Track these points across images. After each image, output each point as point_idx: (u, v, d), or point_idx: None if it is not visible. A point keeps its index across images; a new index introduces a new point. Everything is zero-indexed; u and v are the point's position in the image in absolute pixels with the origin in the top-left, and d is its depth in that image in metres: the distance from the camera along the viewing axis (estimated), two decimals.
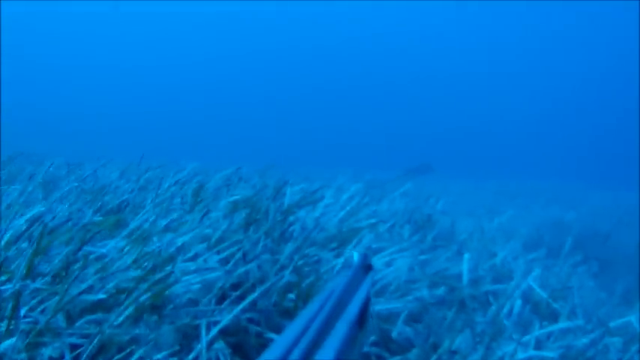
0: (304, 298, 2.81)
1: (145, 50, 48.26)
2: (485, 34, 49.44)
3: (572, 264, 4.24)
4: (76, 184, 4.04)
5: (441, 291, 3.12)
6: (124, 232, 2.74)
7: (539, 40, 48.23)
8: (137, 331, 2.01)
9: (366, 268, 1.25)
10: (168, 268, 2.27)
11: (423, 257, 3.42)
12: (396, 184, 5.33)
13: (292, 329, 0.83)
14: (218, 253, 2.94)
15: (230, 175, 3.82)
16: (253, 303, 2.88)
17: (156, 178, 4.49)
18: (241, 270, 2.68)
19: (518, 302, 2.80)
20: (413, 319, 3.00)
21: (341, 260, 2.87)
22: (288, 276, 2.84)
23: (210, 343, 2.22)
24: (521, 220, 8.32)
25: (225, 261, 3.02)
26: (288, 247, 2.95)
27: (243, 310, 2.71)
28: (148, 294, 2.30)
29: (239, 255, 2.90)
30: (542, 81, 46.96)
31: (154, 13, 49.21)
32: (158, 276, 2.21)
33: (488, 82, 46.63)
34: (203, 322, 2.16)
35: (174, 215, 3.06)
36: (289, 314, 2.80)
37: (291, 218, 3.50)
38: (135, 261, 2.45)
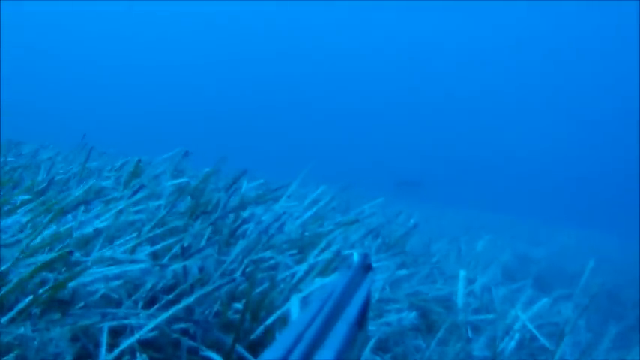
0: (254, 310, 2.29)
1: (137, 51, 47.46)
2: (476, 55, 49.45)
3: (559, 300, 3.81)
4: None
5: (418, 315, 2.64)
6: (30, 206, 2.19)
7: (531, 69, 48.43)
8: (22, 330, 1.47)
9: (366, 268, 1.23)
10: (76, 253, 1.73)
11: (397, 275, 2.93)
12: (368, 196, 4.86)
13: (292, 329, 0.83)
14: (152, 244, 2.42)
15: (174, 157, 3.26)
16: (189, 310, 2.36)
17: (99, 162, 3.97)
18: (178, 266, 2.15)
19: (516, 336, 2.33)
20: (382, 346, 2.52)
21: (304, 267, 2.36)
22: (236, 280, 2.33)
23: (121, 357, 1.69)
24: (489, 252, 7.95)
25: (159, 256, 2.49)
26: (239, 246, 2.43)
27: (175, 319, 2.19)
28: (49, 284, 1.76)
29: (177, 249, 2.37)
30: (531, 113, 47.13)
31: (146, 13, 48.51)
32: (48, 257, 1.66)
33: (474, 105, 46.56)
34: (105, 326, 1.62)
35: (103, 194, 2.52)
36: (233, 329, 2.29)
37: (245, 214, 2.99)
38: (37, 242, 1.91)
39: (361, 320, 1.02)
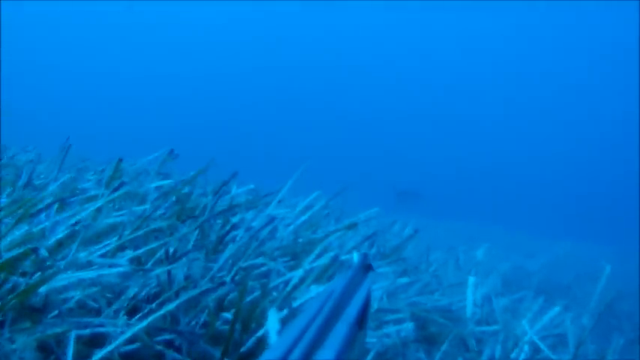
0: (244, 321, 2.13)
1: (134, 51, 47.02)
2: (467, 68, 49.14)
3: (565, 310, 3.66)
4: None
5: (417, 326, 2.48)
6: (2, 204, 2.02)
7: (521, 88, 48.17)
8: None
9: (366, 268, 1.23)
10: (44, 254, 1.56)
11: (396, 284, 2.77)
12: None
13: (292, 329, 0.82)
14: (134, 249, 2.25)
15: (160, 157, 3.08)
16: (175, 321, 2.20)
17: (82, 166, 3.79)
18: (162, 271, 1.98)
19: (526, 348, 2.17)
20: None
21: (299, 273, 2.20)
22: (224, 288, 2.16)
23: None
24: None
25: (142, 261, 2.33)
26: (228, 251, 2.27)
27: (159, 330, 2.02)
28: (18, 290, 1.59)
29: (161, 253, 2.21)
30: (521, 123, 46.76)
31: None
32: (8, 255, 1.49)
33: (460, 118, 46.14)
34: (72, 335, 1.45)
35: (82, 194, 2.34)
36: (222, 341, 2.12)
37: (235, 220, 2.82)
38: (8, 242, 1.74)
39: (361, 320, 1.03)
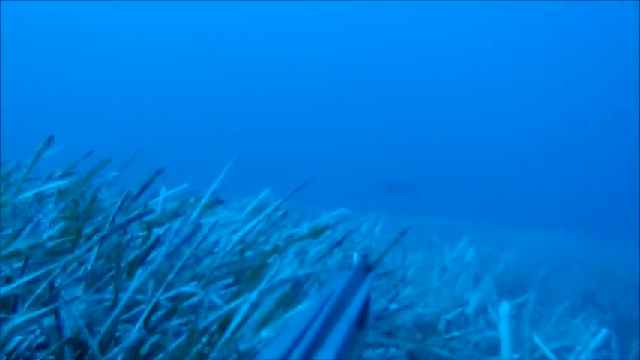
0: None
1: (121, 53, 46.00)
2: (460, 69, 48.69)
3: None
4: None
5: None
6: None
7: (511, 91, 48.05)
8: None
9: (367, 268, 1.24)
10: None
11: (390, 309, 2.14)
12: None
13: (292, 329, 0.82)
14: (5, 282, 1.59)
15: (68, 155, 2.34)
16: None
17: None
18: (43, 313, 1.32)
19: None
20: None
21: (245, 305, 1.54)
22: (135, 333, 1.51)
23: None
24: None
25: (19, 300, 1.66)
26: (137, 280, 1.61)
27: None
28: None
29: (45, 285, 1.54)
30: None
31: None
32: None
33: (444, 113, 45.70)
34: None
35: None
36: None
37: (159, 231, 2.16)
38: None
39: (361, 320, 1.03)
